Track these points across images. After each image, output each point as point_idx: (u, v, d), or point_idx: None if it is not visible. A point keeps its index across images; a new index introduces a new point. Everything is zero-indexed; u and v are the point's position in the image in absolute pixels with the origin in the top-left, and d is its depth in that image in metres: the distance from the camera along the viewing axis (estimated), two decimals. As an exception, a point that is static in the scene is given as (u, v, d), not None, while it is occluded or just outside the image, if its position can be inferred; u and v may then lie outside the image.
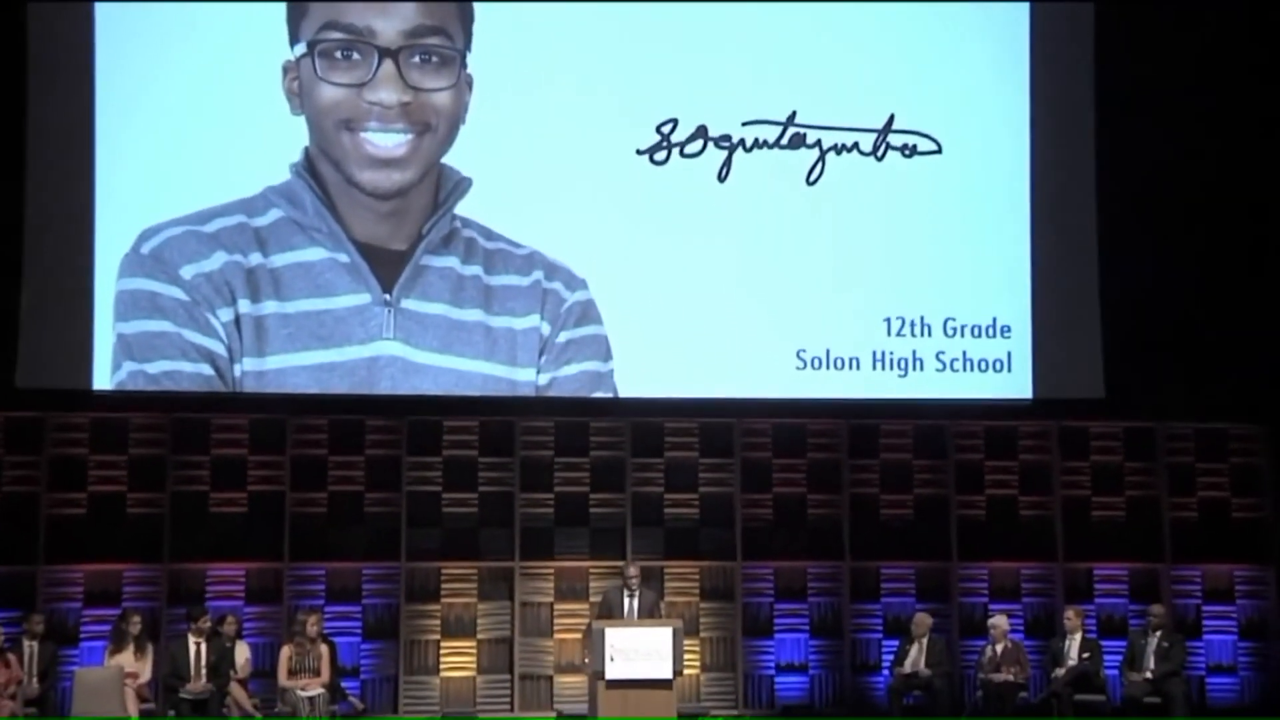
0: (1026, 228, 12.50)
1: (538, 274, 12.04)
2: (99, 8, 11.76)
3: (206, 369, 11.70)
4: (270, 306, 11.74)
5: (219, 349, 11.71)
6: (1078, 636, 11.66)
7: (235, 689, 11.13)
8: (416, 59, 11.91)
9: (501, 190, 12.03)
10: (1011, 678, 11.45)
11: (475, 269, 12.01)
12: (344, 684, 11.64)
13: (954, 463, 12.88)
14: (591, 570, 12.48)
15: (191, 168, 11.74)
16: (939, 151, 12.44)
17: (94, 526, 12.03)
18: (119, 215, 11.70)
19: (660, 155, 12.20)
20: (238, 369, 11.71)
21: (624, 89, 12.15)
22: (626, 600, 10.70)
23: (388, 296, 11.84)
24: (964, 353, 12.43)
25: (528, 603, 12.45)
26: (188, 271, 11.68)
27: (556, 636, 12.41)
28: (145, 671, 11.04)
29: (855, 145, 12.33)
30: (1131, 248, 12.56)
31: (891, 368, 12.34)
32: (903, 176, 12.39)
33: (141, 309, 11.66)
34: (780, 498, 12.77)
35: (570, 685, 12.27)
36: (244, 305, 11.71)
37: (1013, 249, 12.50)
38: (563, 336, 12.06)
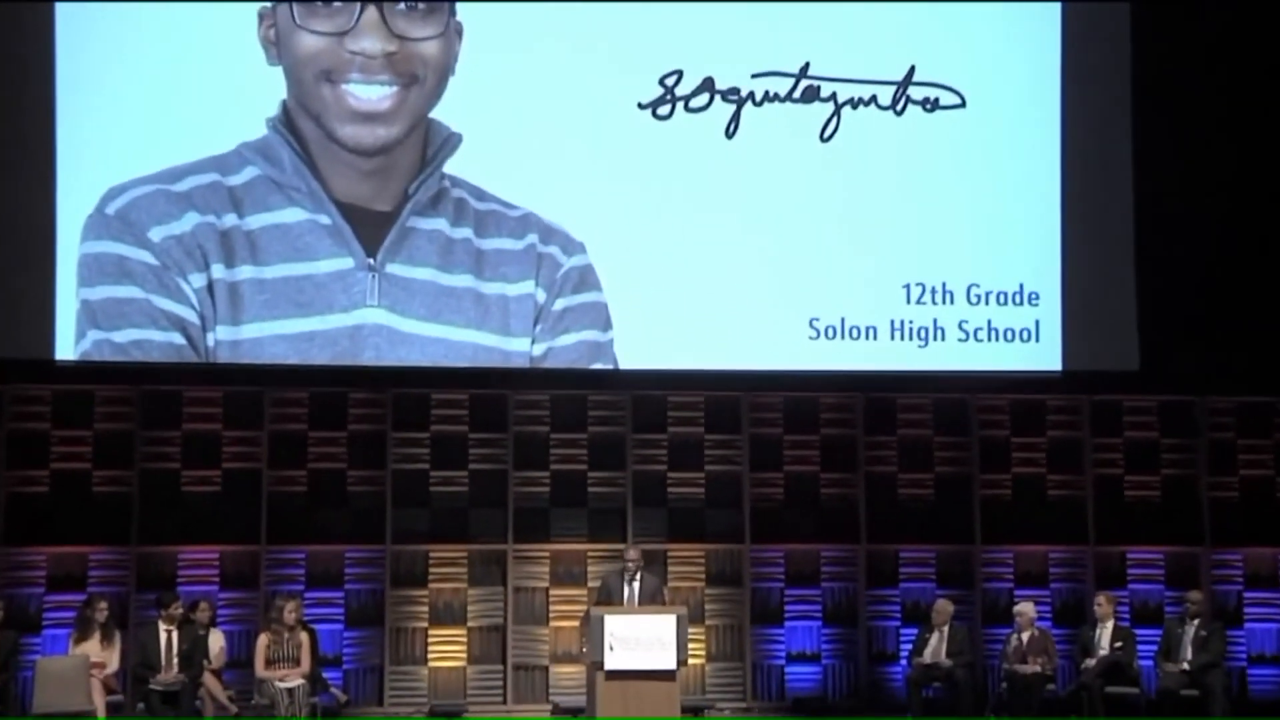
0: (1057, 187, 12.50)
1: (532, 237, 12.02)
2: (60, -54, 11.82)
3: (177, 338, 11.69)
4: (246, 271, 11.70)
5: (191, 316, 11.68)
6: (1109, 625, 11.63)
7: (209, 680, 11.08)
8: (402, 5, 11.87)
9: (494, 147, 12.02)
10: (1038, 669, 11.41)
11: (465, 231, 11.99)
12: (325, 674, 11.61)
13: (977, 439, 12.84)
14: (590, 554, 12.46)
15: (161, 122, 11.74)
16: (963, 105, 12.45)
17: (57, 506, 12.00)
18: (82, 173, 11.69)
19: (664, 110, 12.19)
20: (211, 338, 11.70)
21: (625, 38, 12.15)
22: (626, 586, 10.64)
23: (372, 261, 11.83)
24: (989, 321, 12.44)
25: (521, 588, 12.41)
26: (157, 233, 11.65)
27: (552, 624, 12.39)
28: (112, 661, 10.98)
29: (873, 99, 12.32)
30: (1170, 209, 12.59)
31: (911, 337, 12.35)
32: (924, 132, 12.40)
33: (107, 274, 11.63)
34: (791, 476, 12.75)
35: (567, 676, 12.26)
36: (217, 270, 11.67)
37: (1042, 210, 12.49)
38: (559, 304, 12.05)
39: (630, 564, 10.76)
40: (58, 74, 11.61)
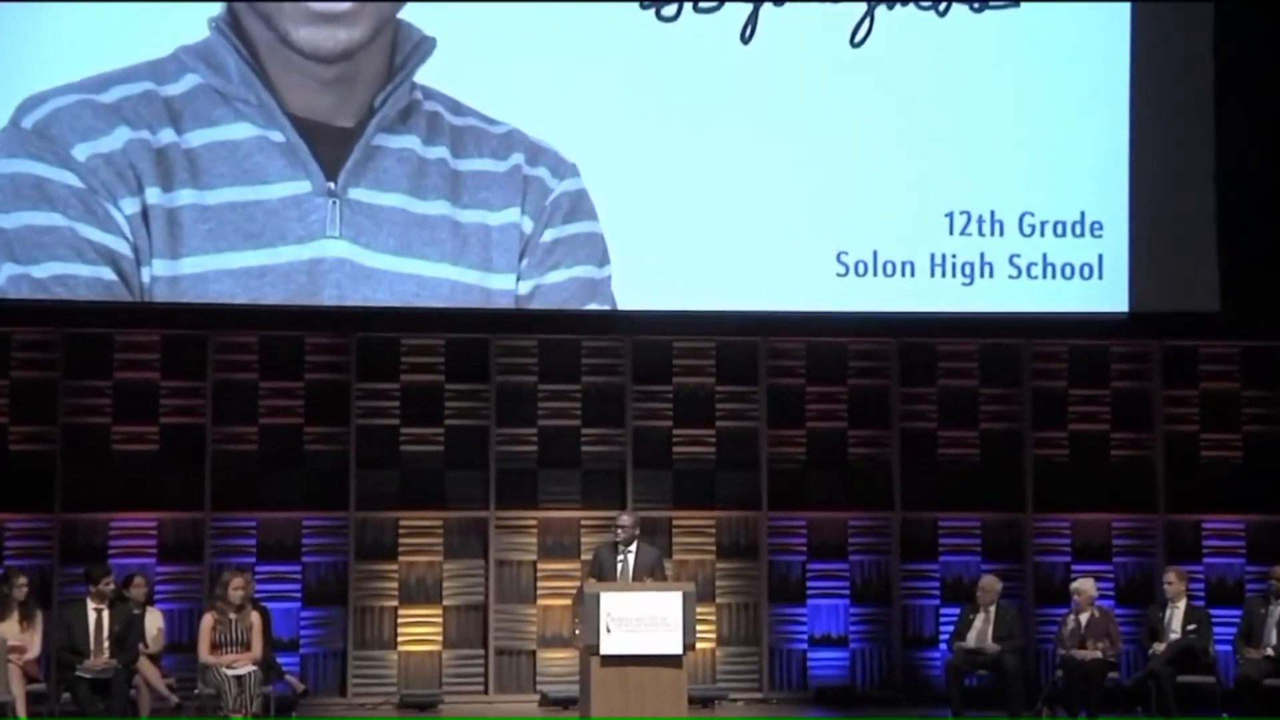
0: (1125, 101, 12.44)
1: (517, 157, 12.02)
2: None
3: (107, 273, 11.64)
4: (186, 196, 11.69)
5: (122, 248, 11.64)
6: (1182, 604, 11.59)
7: (145, 666, 11.03)
8: (367, -115, 11.89)
9: (472, 53, 11.98)
10: (1099, 654, 11.38)
11: (440, 150, 11.97)
12: (279, 660, 11.64)
13: (1030, 391, 12.86)
14: (583, 522, 12.51)
15: (86, 21, 11.68)
16: (1016, 3, 12.38)
17: (-33, 467, 12.09)
18: (-6, 80, 11.61)
19: (669, 10, 12.14)
20: (146, 273, 11.66)
21: (624, -76, 12.09)
22: (619, 557, 10.70)
23: (332, 185, 11.82)
24: (1044, 255, 12.40)
25: (505, 561, 12.48)
26: (82, 151, 11.59)
27: (540, 603, 12.47)
28: (34, 645, 10.88)
29: (912, -6, 12.26)
30: (1258, 123, 12.53)
31: (954, 274, 12.33)
32: (970, 36, 12.38)
33: (24, 198, 11.60)
34: (815, 433, 12.79)
35: (557, 662, 12.33)
36: (153, 194, 11.64)
37: (1107, 126, 12.43)
38: (548, 235, 12.04)
39: (622, 531, 10.73)
40: (-36, -33, 11.68)
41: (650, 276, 12.10)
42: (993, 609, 11.65)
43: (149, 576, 11.65)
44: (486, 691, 12.27)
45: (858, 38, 12.18)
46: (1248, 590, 12.47)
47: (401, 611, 12.33)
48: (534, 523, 12.47)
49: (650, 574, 10.54)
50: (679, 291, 12.13)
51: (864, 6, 12.19)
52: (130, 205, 11.56)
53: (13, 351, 12.12)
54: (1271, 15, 12.45)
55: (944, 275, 12.27)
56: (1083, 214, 12.37)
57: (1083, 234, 12.35)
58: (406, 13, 11.88)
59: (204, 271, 11.66)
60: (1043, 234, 12.31)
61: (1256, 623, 11.46)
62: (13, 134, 11.53)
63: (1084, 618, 11.51)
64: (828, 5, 12.16)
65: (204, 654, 10.73)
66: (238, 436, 12.27)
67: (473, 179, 11.93)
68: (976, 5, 12.27)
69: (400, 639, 12.31)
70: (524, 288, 11.98)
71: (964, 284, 12.29)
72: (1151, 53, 12.40)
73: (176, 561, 12.12)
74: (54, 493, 12.00)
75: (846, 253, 12.22)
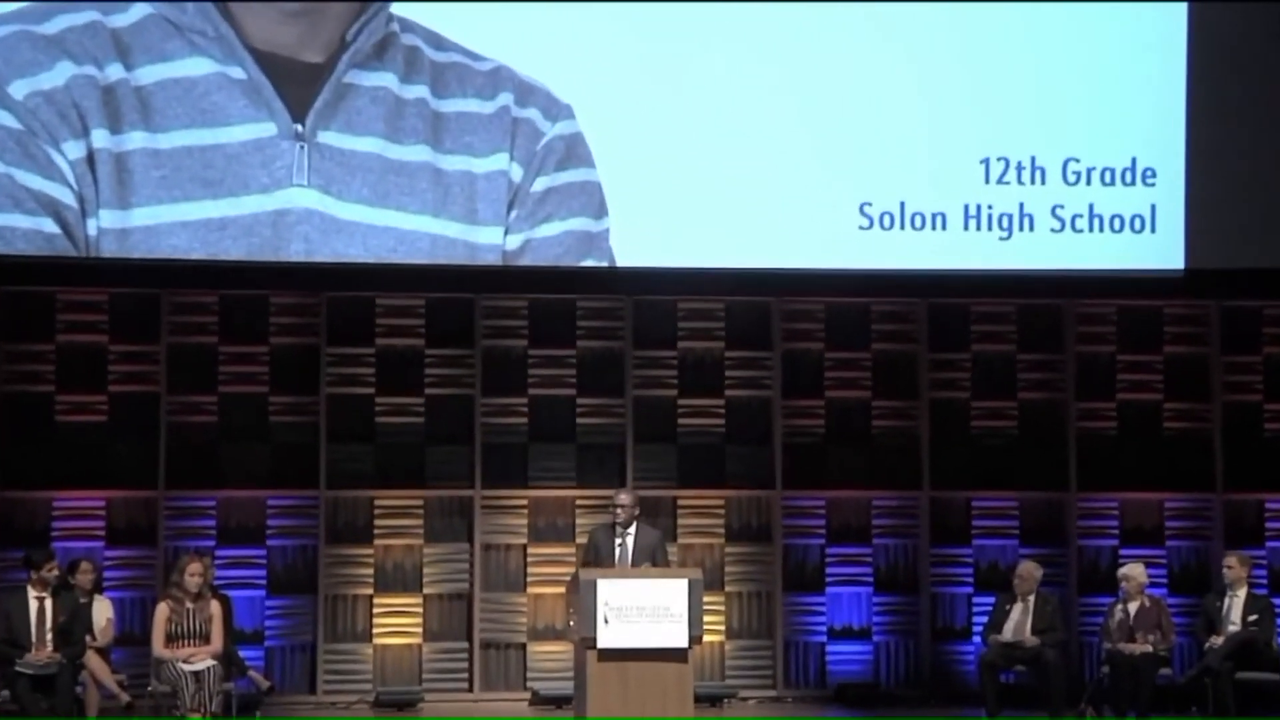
0: (1181, 33, 12.38)
1: (505, 97, 11.98)
2: None
3: (48, 224, 11.62)
4: (136, 139, 11.65)
5: (65, 197, 11.61)
6: (1242, 593, 11.53)
7: (93, 660, 10.95)
8: None
9: None
10: (1149, 648, 11.34)
11: (420, 89, 11.94)
12: (242, 654, 11.61)
13: (1074, 357, 12.88)
14: (578, 502, 12.56)
15: None
16: None
17: (-105, 440, 12.18)
18: (-83, 8, 11.67)
19: None
20: (92, 225, 11.63)
21: None
22: (616, 540, 10.69)
23: (299, 127, 11.80)
24: (1090, 206, 12.37)
25: (492, 545, 12.51)
26: (19, 89, 11.54)
27: (530, 591, 12.51)
28: None
29: (945, -83, 12.30)
30: None
31: (990, 227, 12.31)
32: None
33: None
34: (835, 404, 12.81)
35: (549, 656, 12.37)
36: (99, 137, 11.59)
37: (1161, 62, 12.39)
38: (540, 183, 12.03)
39: (620, 511, 10.69)
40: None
41: (653, 230, 12.09)
42: (1031, 598, 11.59)
43: (97, 562, 11.63)
44: (471, 689, 12.30)
45: (883, -34, 12.32)
46: (1315, 576, 12.36)
47: (377, 600, 12.36)
48: (524, 503, 12.49)
49: (651, 559, 10.54)
50: (684, 247, 12.12)
51: (891, -68, 12.26)
52: (74, 149, 11.52)
53: (-57, 312, 12.06)
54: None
55: (979, 228, 12.26)
56: (1134, 160, 12.34)
57: (1133, 182, 12.32)
58: (382, -66, 11.95)
59: (157, 223, 11.64)
60: (1089, 182, 12.29)
61: (1325, 613, 11.51)
62: (-58, 70, 11.59)
63: (1133, 607, 11.47)
64: (851, -69, 12.25)
65: (158, 647, 10.65)
66: (195, 406, 12.27)
67: (456, 121, 11.90)
68: (1017, -72, 12.35)
69: (376, 631, 12.34)
70: (513, 242, 11.96)
71: (1001, 238, 12.28)
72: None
73: (127, 545, 12.13)
74: (-10, 469, 11.95)
75: (870, 203, 12.21)
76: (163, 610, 10.68)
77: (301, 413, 12.34)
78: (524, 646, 12.37)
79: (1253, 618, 11.39)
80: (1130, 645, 11.32)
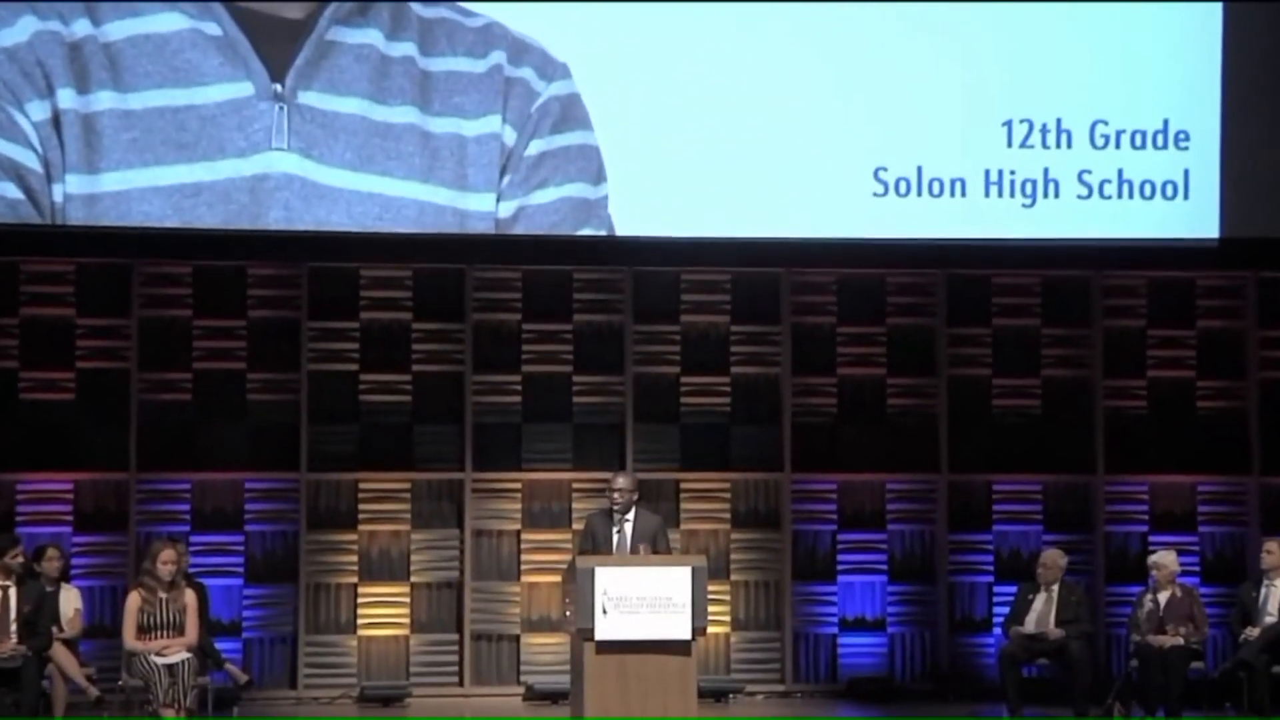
0: None
1: (498, 55, 12.00)
2: None
3: (11, 189, 11.65)
4: (105, 99, 11.66)
5: (29, 161, 11.62)
6: None
7: (60, 653, 10.91)
8: None
9: None
10: (1180, 640, 11.31)
11: (406, 47, 11.96)
12: (218, 646, 11.59)
13: (1102, 331, 12.92)
14: (575, 485, 12.60)
15: None
16: None
17: None
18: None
19: None
20: (58, 190, 11.65)
21: None
22: (614, 527, 10.58)
23: (278, 87, 11.81)
24: (1119, 172, 12.39)
25: (483, 531, 12.54)
26: None
27: (525, 580, 12.55)
28: None
29: None
30: None
31: (1013, 193, 12.33)
32: None
33: None
34: (848, 382, 12.83)
35: (544, 649, 12.40)
36: (66, 97, 11.61)
37: (1196, 18, 12.40)
38: (534, 147, 12.05)
39: (618, 495, 10.56)
40: None
41: (654, 197, 12.09)
42: (1056, 588, 11.59)
43: (64, 548, 11.60)
44: (462, 683, 12.31)
45: (900, -85, 12.31)
46: (1358, 565, 12.55)
47: (361, 590, 12.38)
48: (517, 486, 12.51)
49: (651, 546, 10.46)
50: (688, 215, 12.12)
51: (907, -120, 12.25)
52: (39, 110, 11.52)
53: (-100, 284, 12.02)
54: None
55: (1000, 195, 12.27)
56: (1166, 122, 12.36)
57: (1165, 146, 12.34)
58: (366, -117, 11.93)
59: (127, 189, 11.65)
60: (1118, 146, 12.30)
61: (1368, 603, 11.49)
62: (-105, 25, 11.59)
63: (1163, 597, 11.44)
64: (865, -121, 12.24)
65: (129, 639, 10.60)
66: (168, 384, 12.27)
67: (445, 81, 11.92)
68: (1041, -124, 12.33)
69: (360, 622, 12.36)
70: (505, 210, 11.95)
71: (1024, 205, 12.29)
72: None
73: (96, 531, 12.14)
74: (-50, 450, 11.89)
75: (885, 169, 12.21)
76: (134, 600, 10.64)
77: (281, 390, 12.33)
78: (517, 638, 12.39)
79: (1292, 609, 11.43)
80: (1160, 637, 11.28)
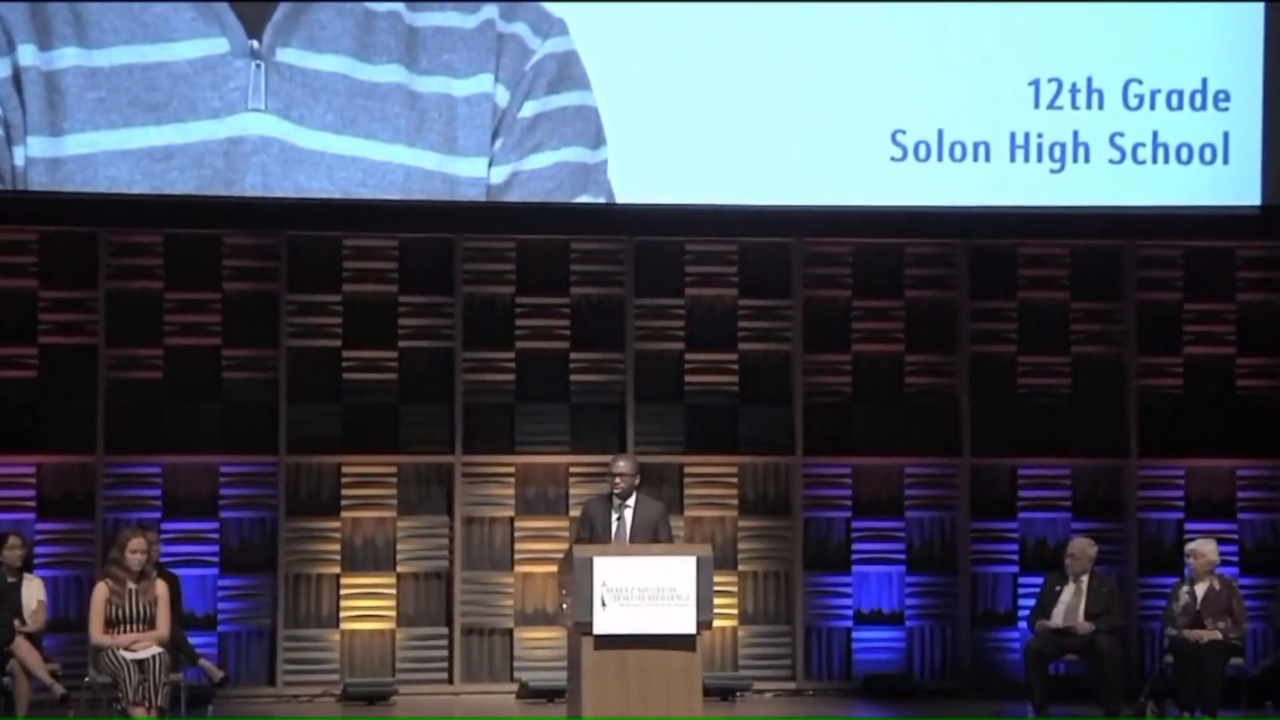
0: None
1: (490, 10, 12.05)
2: None
3: None
4: (69, 55, 11.68)
5: None
6: None
7: (22, 647, 10.93)
8: None
9: None
10: (1219, 635, 11.26)
11: (392, 2, 11.96)
12: (192, 641, 11.64)
13: (1135, 305, 12.95)
14: (572, 469, 12.65)
15: None
16: None
17: None
18: None
19: None
20: (19, 154, 11.68)
21: None
22: (614, 514, 10.50)
23: (255, 44, 11.84)
24: (1154, 134, 12.39)
25: (475, 518, 12.58)
26: None
27: (519, 570, 12.59)
28: None
29: None
30: None
31: (1040, 157, 12.33)
32: None
33: None
34: (863, 359, 12.88)
35: (539, 643, 12.44)
36: (27, 54, 11.64)
37: None
38: (529, 108, 12.06)
39: (618, 480, 10.50)
40: None
41: (656, 162, 12.11)
42: (1085, 579, 11.57)
43: (26, 536, 11.59)
44: (451, 680, 12.34)
45: None
46: None
47: (345, 580, 12.41)
48: (510, 470, 12.55)
49: (653, 534, 10.44)
50: (692, 181, 12.13)
51: None
52: None
53: None
54: None
55: (1027, 160, 12.28)
56: (1204, 81, 12.35)
57: (1204, 107, 12.34)
58: None
59: (93, 152, 11.67)
60: (1153, 106, 12.31)
61: None
62: None
63: (1200, 589, 11.40)
64: None
65: (96, 633, 10.60)
66: (137, 361, 12.29)
67: (433, 37, 11.93)
68: None
69: (343, 615, 12.39)
70: (498, 175, 11.97)
71: (1052, 170, 12.29)
72: None
73: (61, 517, 12.18)
74: (-94, 432, 11.92)
75: (904, 131, 12.22)
76: (101, 591, 10.65)
77: (258, 368, 12.36)
78: (510, 632, 12.42)
79: (1338, 602, 11.48)
80: (1197, 632, 11.23)
